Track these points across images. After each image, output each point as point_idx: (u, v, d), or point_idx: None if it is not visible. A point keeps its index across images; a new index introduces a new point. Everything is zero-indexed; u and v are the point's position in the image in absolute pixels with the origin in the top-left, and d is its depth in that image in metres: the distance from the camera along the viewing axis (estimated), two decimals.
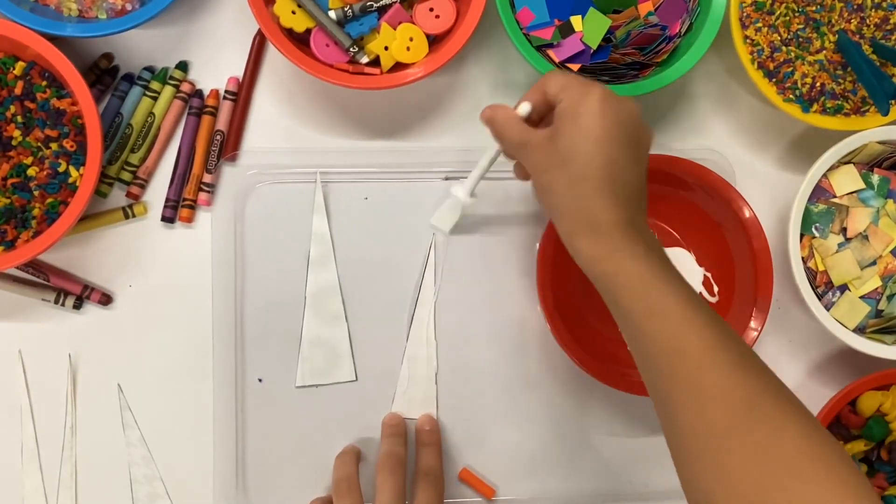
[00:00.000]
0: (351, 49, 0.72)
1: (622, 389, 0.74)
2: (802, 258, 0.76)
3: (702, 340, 0.56)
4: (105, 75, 0.76)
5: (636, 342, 0.59)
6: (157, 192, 0.77)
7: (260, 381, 0.76)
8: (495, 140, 0.66)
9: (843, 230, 0.76)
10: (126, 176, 0.76)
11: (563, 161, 0.59)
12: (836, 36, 0.75)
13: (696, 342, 0.56)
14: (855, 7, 0.75)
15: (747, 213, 0.75)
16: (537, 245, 0.74)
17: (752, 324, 0.75)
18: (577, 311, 0.77)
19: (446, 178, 0.78)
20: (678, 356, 0.56)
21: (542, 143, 0.61)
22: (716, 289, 0.79)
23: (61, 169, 0.70)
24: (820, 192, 0.76)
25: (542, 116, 0.65)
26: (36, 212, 0.70)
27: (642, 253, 0.58)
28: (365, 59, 0.73)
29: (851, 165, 0.77)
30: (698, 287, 0.79)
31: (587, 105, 0.59)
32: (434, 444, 0.75)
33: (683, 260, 0.79)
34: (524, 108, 0.63)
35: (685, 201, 0.78)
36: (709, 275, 0.79)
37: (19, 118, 0.71)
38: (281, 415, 0.77)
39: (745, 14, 0.74)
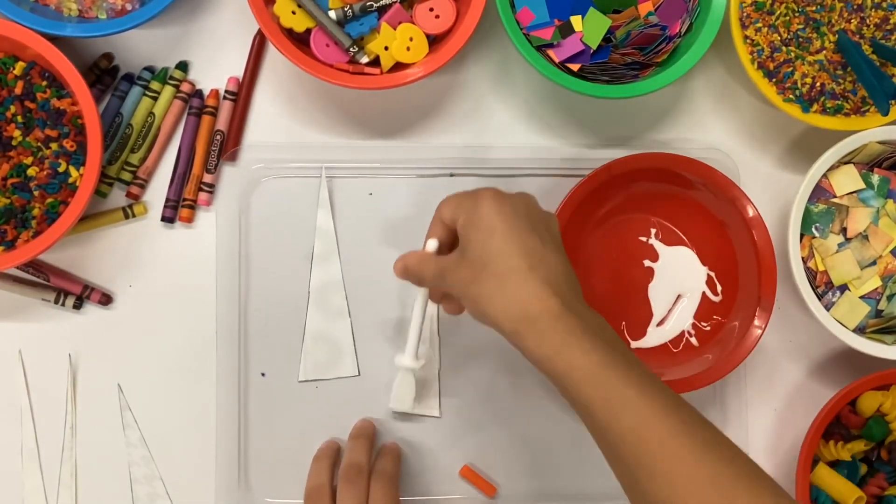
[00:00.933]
0: (351, 49, 0.72)
1: None
2: (802, 258, 0.76)
3: (665, 428, 0.55)
4: (105, 75, 0.76)
5: (599, 434, 0.58)
6: (157, 192, 0.77)
7: (263, 375, 0.77)
8: (417, 286, 0.67)
9: (843, 230, 0.76)
10: (126, 176, 0.76)
11: (481, 268, 0.59)
12: (836, 36, 0.75)
13: (660, 431, 0.55)
14: (855, 7, 0.75)
15: (751, 212, 0.75)
16: None
17: (756, 322, 0.75)
18: None
19: (451, 175, 0.78)
20: (643, 447, 0.55)
21: (456, 261, 0.61)
22: (719, 288, 0.79)
23: (61, 169, 0.70)
24: (820, 192, 0.76)
25: (451, 247, 0.65)
26: (36, 212, 0.70)
27: (590, 343, 0.57)
28: (365, 59, 0.73)
29: (851, 165, 0.77)
30: (702, 286, 0.79)
31: (483, 209, 0.60)
32: (391, 454, 0.75)
33: (687, 259, 0.79)
34: (431, 245, 0.65)
35: (689, 200, 0.78)
36: (712, 273, 0.79)
37: (19, 118, 0.71)
38: (283, 409, 0.77)
39: (745, 14, 0.74)
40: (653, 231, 0.80)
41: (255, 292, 0.77)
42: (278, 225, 0.77)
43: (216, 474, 0.76)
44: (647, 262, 0.80)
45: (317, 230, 0.77)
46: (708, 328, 0.79)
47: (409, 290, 0.77)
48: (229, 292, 0.76)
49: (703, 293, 0.79)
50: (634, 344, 0.79)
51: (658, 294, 0.79)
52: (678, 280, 0.79)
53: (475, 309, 0.61)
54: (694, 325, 0.79)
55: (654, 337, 0.79)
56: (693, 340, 0.79)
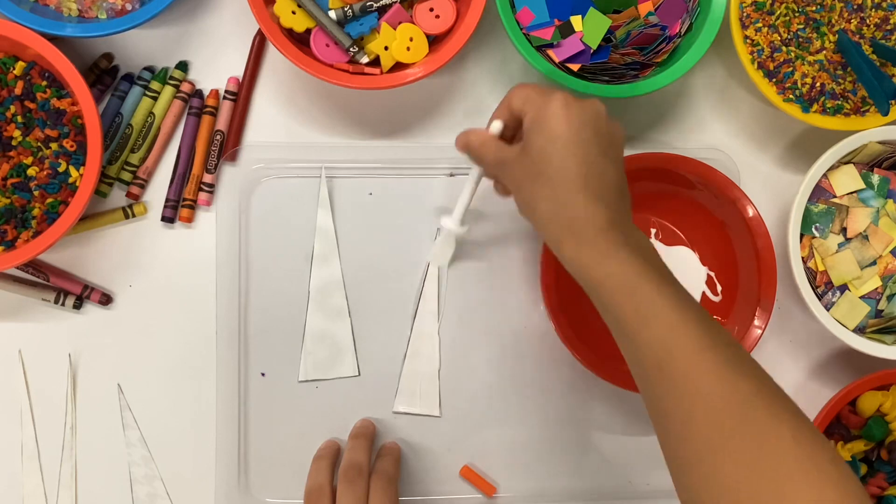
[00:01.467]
0: (351, 49, 0.72)
1: (625, 387, 0.74)
2: (802, 258, 0.76)
3: (691, 342, 0.55)
4: (105, 75, 0.76)
5: (627, 346, 0.58)
6: (157, 192, 0.77)
7: (263, 375, 0.77)
8: (474, 163, 0.66)
9: (843, 230, 0.76)
10: (126, 176, 0.76)
11: (538, 171, 0.60)
12: (836, 36, 0.75)
13: (685, 344, 0.55)
14: (855, 7, 0.75)
15: (751, 213, 0.75)
16: (542, 240, 0.74)
17: (756, 322, 0.75)
18: (579, 308, 0.76)
19: (451, 175, 0.78)
20: (668, 359, 0.55)
21: (517, 157, 0.61)
22: (719, 288, 0.79)
23: (61, 169, 0.70)
24: (820, 192, 0.76)
25: (514, 132, 0.65)
26: (36, 212, 0.70)
27: (628, 255, 0.57)
28: (365, 59, 0.73)
29: (851, 165, 0.77)
30: (702, 286, 0.79)
31: (550, 112, 0.60)
32: (392, 455, 0.75)
33: (687, 259, 0.79)
34: (496, 127, 0.64)
35: (690, 200, 0.78)
36: (712, 274, 0.79)
37: (19, 118, 0.71)
38: (283, 409, 0.77)
39: (745, 14, 0.74)
40: (653, 231, 0.80)
41: (255, 292, 0.77)
42: (278, 225, 0.77)
43: (216, 474, 0.76)
44: None
45: (317, 230, 0.77)
46: None
47: (411, 290, 0.78)
48: (229, 292, 0.76)
49: (703, 293, 0.79)
50: None
51: None
52: None
53: (524, 208, 0.62)
54: None
55: None
56: None
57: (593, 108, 0.61)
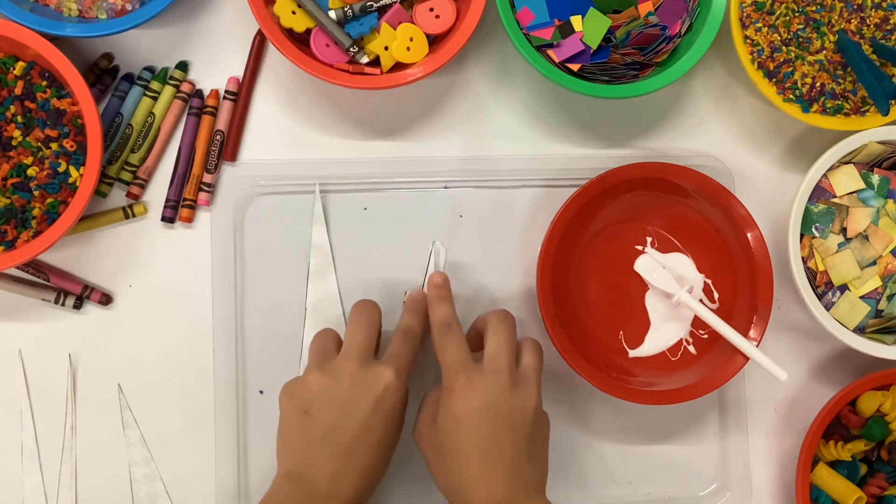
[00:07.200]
0: (351, 49, 0.72)
1: (621, 397, 0.73)
2: (802, 258, 0.76)
3: None
4: (105, 75, 0.76)
5: None
6: (157, 192, 0.77)
7: (261, 392, 0.76)
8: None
9: (843, 230, 0.76)
10: (126, 176, 0.76)
11: (441, 448, 0.66)
12: (836, 36, 0.75)
13: None
14: (855, 7, 0.75)
15: (746, 220, 0.75)
16: (538, 252, 0.74)
17: (752, 333, 0.75)
18: (576, 319, 0.77)
19: (445, 188, 0.78)
20: None
21: (429, 431, 0.67)
22: (716, 295, 0.78)
23: (61, 169, 0.70)
24: (820, 192, 0.76)
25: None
26: (36, 212, 0.70)
27: None
28: (365, 59, 0.73)
29: (851, 165, 0.77)
30: (699, 294, 0.79)
31: (454, 396, 0.66)
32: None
33: (684, 266, 0.79)
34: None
35: (685, 208, 0.78)
36: (709, 281, 0.79)
37: (19, 118, 0.71)
38: None
39: (745, 14, 0.74)
40: (648, 240, 0.79)
41: (252, 309, 0.76)
42: (273, 241, 0.77)
43: (216, 474, 0.75)
44: None
45: (312, 246, 0.77)
46: (706, 336, 0.78)
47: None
48: (225, 310, 0.76)
49: (700, 301, 0.79)
50: (633, 353, 0.78)
51: (655, 303, 0.79)
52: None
53: (434, 479, 0.68)
54: (692, 334, 0.79)
55: (652, 345, 0.78)
56: (691, 349, 0.78)
57: (497, 387, 0.65)
